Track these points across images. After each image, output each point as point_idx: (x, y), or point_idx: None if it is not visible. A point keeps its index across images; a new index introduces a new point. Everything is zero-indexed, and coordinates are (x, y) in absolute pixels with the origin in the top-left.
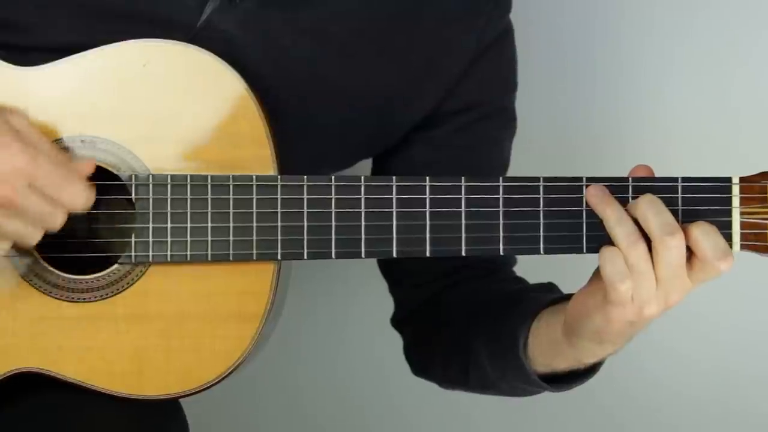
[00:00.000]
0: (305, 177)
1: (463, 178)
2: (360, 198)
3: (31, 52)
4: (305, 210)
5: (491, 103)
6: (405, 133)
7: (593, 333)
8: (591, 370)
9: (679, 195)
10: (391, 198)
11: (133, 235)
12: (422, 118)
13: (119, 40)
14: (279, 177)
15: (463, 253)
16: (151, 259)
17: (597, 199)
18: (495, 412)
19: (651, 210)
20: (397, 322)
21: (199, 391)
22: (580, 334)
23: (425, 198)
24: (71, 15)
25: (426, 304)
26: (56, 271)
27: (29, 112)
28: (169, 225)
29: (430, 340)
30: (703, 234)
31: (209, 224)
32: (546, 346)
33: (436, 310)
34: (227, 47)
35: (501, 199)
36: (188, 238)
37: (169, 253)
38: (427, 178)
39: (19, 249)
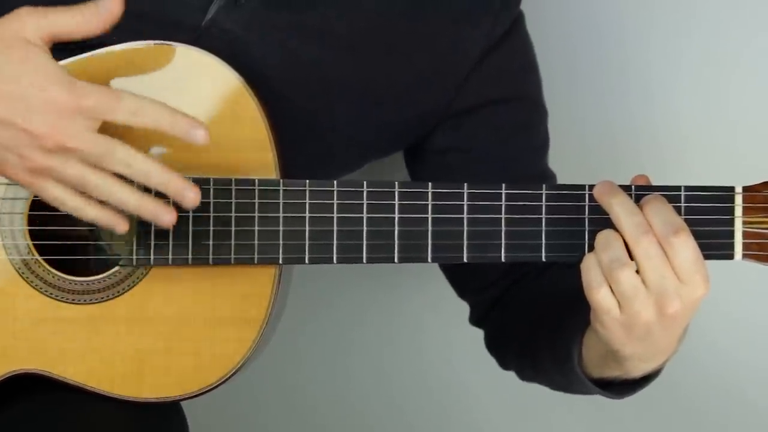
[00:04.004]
0: (307, 181)
1: (465, 184)
2: (362, 203)
3: None
4: (307, 214)
5: (510, 94)
6: (417, 135)
7: (612, 347)
8: (646, 379)
9: (682, 204)
10: (394, 204)
11: (134, 238)
12: (438, 119)
13: (123, 39)
14: (281, 181)
15: (465, 260)
16: (152, 262)
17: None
18: (496, 412)
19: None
20: (474, 322)
21: (198, 395)
22: (609, 349)
23: (427, 204)
24: None
25: (494, 306)
26: (57, 273)
27: None
28: (170, 228)
29: (503, 344)
30: (653, 211)
31: (211, 228)
32: (596, 360)
33: (503, 313)
34: (232, 47)
35: (503, 206)
36: (190, 241)
37: (170, 256)
38: (430, 184)
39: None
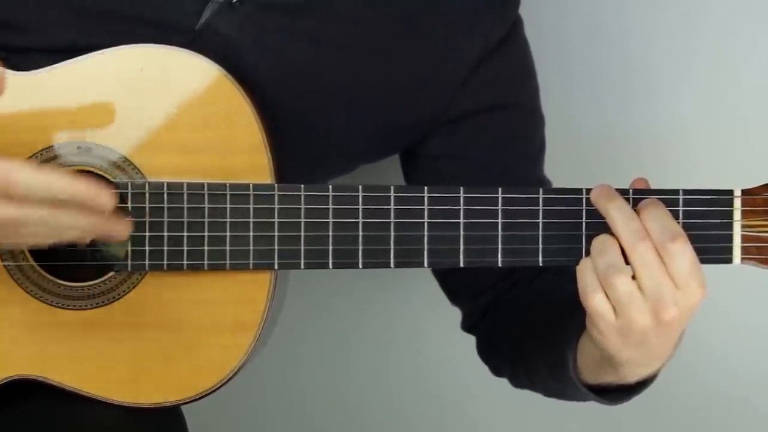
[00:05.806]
0: (302, 186)
1: (461, 189)
2: (358, 208)
3: (30, 53)
4: (302, 219)
5: (507, 101)
6: (412, 140)
7: (608, 352)
8: (642, 384)
9: (680, 208)
10: (389, 209)
11: (129, 243)
12: (433, 125)
13: (118, 43)
14: (276, 186)
15: (461, 265)
16: (147, 267)
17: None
18: (495, 412)
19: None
20: (467, 328)
21: (195, 400)
22: (605, 354)
23: (423, 209)
24: (71, 17)
25: (488, 312)
26: (53, 278)
27: (25, 119)
28: (165, 233)
29: (496, 351)
30: (650, 216)
31: (206, 233)
32: (591, 366)
33: (497, 319)
34: (226, 50)
35: (500, 211)
36: (185, 247)
37: (165, 261)
38: (425, 188)
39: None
